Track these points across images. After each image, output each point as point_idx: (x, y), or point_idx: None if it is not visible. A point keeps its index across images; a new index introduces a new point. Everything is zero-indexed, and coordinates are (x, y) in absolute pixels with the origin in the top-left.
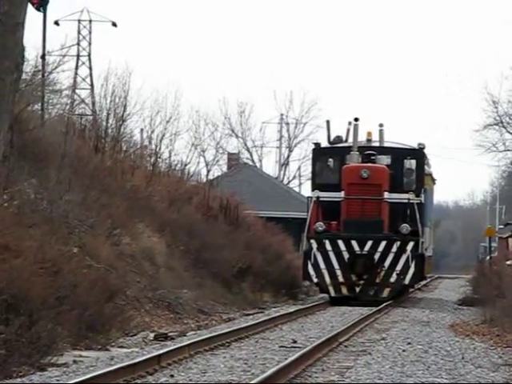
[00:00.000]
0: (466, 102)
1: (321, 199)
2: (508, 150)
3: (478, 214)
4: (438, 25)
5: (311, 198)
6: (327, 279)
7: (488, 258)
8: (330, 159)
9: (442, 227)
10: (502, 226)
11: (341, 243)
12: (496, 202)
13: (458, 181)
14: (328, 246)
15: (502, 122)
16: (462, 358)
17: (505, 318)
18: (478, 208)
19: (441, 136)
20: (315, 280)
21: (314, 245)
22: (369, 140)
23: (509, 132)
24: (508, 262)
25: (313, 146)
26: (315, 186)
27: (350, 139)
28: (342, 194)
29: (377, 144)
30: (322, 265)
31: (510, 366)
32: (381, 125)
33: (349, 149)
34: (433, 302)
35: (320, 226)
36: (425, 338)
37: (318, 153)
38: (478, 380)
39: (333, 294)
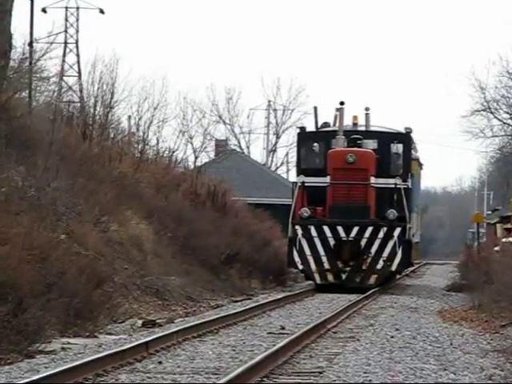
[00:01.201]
0: (453, 88)
1: (306, 184)
2: (495, 136)
3: (465, 200)
4: (424, 12)
5: (296, 183)
6: (313, 266)
7: (476, 243)
8: (316, 144)
9: (430, 213)
10: (489, 212)
11: (326, 229)
12: (484, 187)
13: (446, 167)
14: (313, 232)
15: (489, 108)
16: (451, 344)
17: (493, 304)
18: (465, 194)
19: (428, 122)
20: (300, 267)
21: (299, 231)
22: (355, 124)
23: (496, 118)
24: (496, 248)
25: (298, 131)
26: (300, 171)
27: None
28: (328, 179)
29: (363, 128)
30: (308, 251)
31: (498, 352)
32: (367, 108)
33: (334, 133)
34: (421, 288)
35: (305, 211)
36: (413, 324)
37: (303, 137)
38: (466, 366)
39: (318, 281)
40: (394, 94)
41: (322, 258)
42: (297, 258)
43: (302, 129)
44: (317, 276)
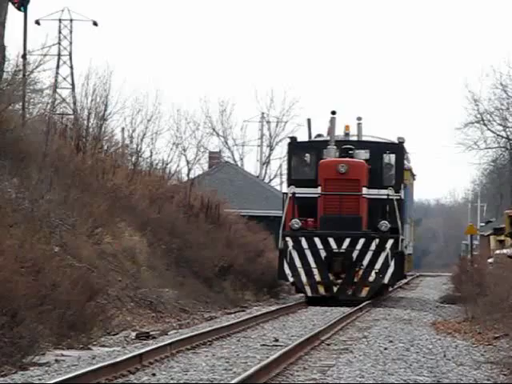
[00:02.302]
0: (447, 100)
1: (297, 195)
2: (489, 148)
3: (459, 212)
4: (417, 25)
5: (287, 194)
6: (303, 278)
7: (469, 255)
8: (307, 154)
9: (423, 225)
10: (483, 224)
11: (317, 241)
12: (477, 199)
13: (440, 179)
14: (304, 244)
15: (482, 120)
16: (444, 355)
17: (486, 316)
18: (459, 206)
19: (422, 134)
20: (291, 279)
21: (290, 243)
22: (346, 134)
23: (490, 130)
24: (489, 260)
25: (288, 141)
26: (291, 182)
27: None
28: (319, 189)
29: (355, 138)
30: (298, 263)
31: (491, 364)
32: (359, 118)
33: (326, 143)
34: (414, 300)
35: (296, 223)
36: (406, 336)
37: (294, 147)
38: (459, 378)
39: (309, 293)
40: (388, 107)
41: (313, 270)
42: (287, 271)
43: (293, 139)
44: (308, 288)
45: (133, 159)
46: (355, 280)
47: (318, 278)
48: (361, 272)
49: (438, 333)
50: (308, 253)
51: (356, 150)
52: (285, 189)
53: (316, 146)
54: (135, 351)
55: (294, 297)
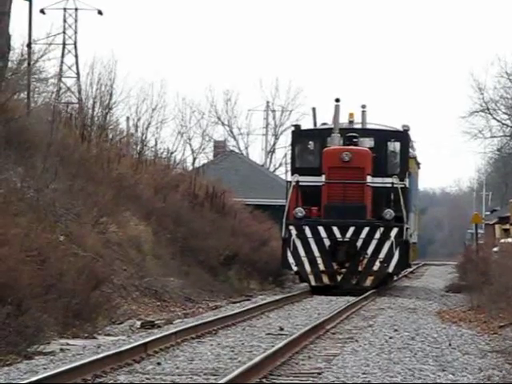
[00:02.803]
0: (452, 89)
1: (300, 184)
2: (494, 137)
3: (464, 201)
4: (422, 13)
5: (290, 182)
6: (307, 268)
7: (475, 244)
8: (311, 142)
9: (428, 214)
10: (488, 213)
11: (321, 230)
12: (482, 188)
13: (445, 168)
14: (308, 233)
15: (488, 109)
16: (449, 344)
17: (491, 305)
18: (464, 195)
19: (427, 123)
20: (295, 268)
21: (294, 231)
22: (351, 122)
23: (495, 119)
24: (495, 249)
25: (292, 129)
26: (295, 170)
27: None
28: (323, 178)
29: (359, 126)
30: (302, 252)
31: (496, 353)
32: (363, 106)
33: (330, 131)
34: (419, 289)
35: (300, 211)
36: (412, 325)
37: (298, 135)
38: (465, 367)
39: (313, 282)
40: (393, 96)
41: (317, 259)
42: (291, 260)
43: (297, 127)
44: (311, 278)
45: (138, 148)
46: (359, 269)
47: (321, 267)
48: (365, 261)
49: (443, 322)
50: (312, 242)
51: (360, 138)
52: (289, 177)
53: (320, 134)
54: (140, 340)
55: (299, 286)
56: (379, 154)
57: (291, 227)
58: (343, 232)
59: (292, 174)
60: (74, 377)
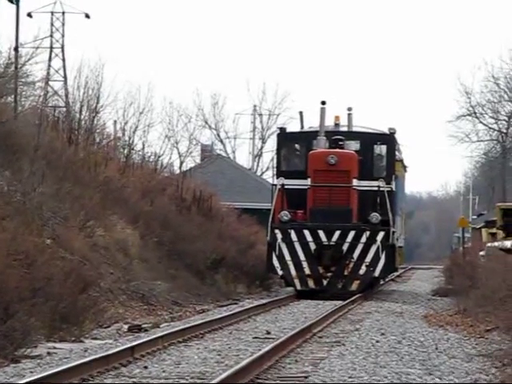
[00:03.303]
0: (439, 93)
1: (286, 187)
2: (481, 141)
3: (451, 205)
4: (409, 17)
5: (276, 185)
6: (293, 272)
7: (461, 248)
8: (296, 145)
9: (415, 218)
10: (475, 217)
11: (307, 233)
12: (469, 192)
13: (432, 172)
14: (293, 237)
15: (474, 113)
16: (436, 348)
17: (478, 309)
18: (451, 199)
19: (414, 127)
20: (280, 272)
21: (279, 235)
22: (337, 124)
23: (482, 123)
24: (481, 253)
25: (278, 131)
26: (280, 173)
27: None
28: (309, 181)
29: (345, 129)
30: (288, 256)
31: (483, 357)
32: (349, 109)
33: (315, 134)
34: (406, 293)
35: (285, 215)
36: (398, 329)
37: (284, 138)
38: (451, 370)
39: (299, 287)
40: (380, 100)
41: (303, 263)
42: (276, 264)
43: (282, 129)
44: (297, 282)
45: (125, 152)
46: (345, 273)
47: (307, 271)
48: (351, 265)
49: (430, 325)
50: (297, 245)
51: (346, 141)
52: (275, 180)
53: (306, 137)
54: (127, 344)
55: (286, 289)
56: (365, 157)
57: (276, 231)
58: (329, 236)
59: (277, 177)
60: (61, 380)
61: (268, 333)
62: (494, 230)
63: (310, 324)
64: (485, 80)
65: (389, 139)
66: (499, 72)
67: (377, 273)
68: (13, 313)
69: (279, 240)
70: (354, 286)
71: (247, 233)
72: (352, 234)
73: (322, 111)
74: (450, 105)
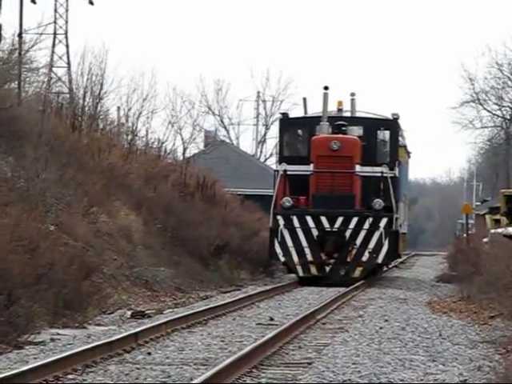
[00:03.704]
0: (443, 79)
1: (288, 173)
2: (485, 127)
3: (455, 191)
4: (413, 4)
5: (278, 171)
6: (295, 258)
7: (465, 234)
8: (299, 130)
9: (419, 204)
10: (478, 203)
11: (309, 220)
12: (473, 179)
13: (436, 158)
14: (296, 223)
15: (478, 99)
16: (440, 335)
17: (482, 295)
18: (455, 185)
19: (418, 113)
20: (282, 259)
21: (281, 221)
22: (340, 110)
23: (485, 109)
24: (485, 239)
25: (280, 117)
26: (282, 159)
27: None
28: (311, 167)
29: (348, 114)
30: (290, 243)
31: (487, 343)
32: (352, 94)
33: (318, 119)
34: (410, 279)
35: (287, 201)
36: (402, 316)
37: (286, 123)
38: (455, 357)
39: (301, 273)
40: (384, 87)
41: (305, 249)
42: (278, 250)
43: (285, 115)
44: (299, 268)
45: (128, 138)
46: (348, 260)
47: (309, 257)
48: (354, 251)
49: (434, 312)
50: (300, 232)
51: (349, 127)
52: (277, 166)
53: (308, 123)
54: (130, 330)
55: (290, 276)
56: (368, 143)
57: (279, 217)
58: (331, 222)
59: (280, 163)
60: (65, 367)
61: (271, 319)
62: (497, 217)
63: (314, 310)
64: (488, 66)
65: (392, 125)
66: (503, 58)
67: (380, 259)
68: (16, 299)
69: (281, 226)
70: (357, 272)
71: (251, 219)
72: (355, 220)
73: (325, 96)
74: (453, 91)
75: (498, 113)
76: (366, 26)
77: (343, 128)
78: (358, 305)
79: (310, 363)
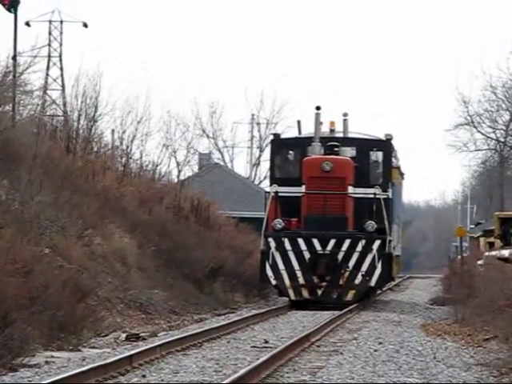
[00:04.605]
0: (437, 102)
1: (280, 194)
2: (479, 150)
3: (449, 214)
4: (407, 24)
5: (269, 193)
6: (287, 281)
7: (459, 257)
8: (290, 151)
9: (413, 227)
10: (473, 226)
11: (301, 242)
12: (467, 201)
13: (430, 181)
14: (287, 246)
15: (472, 122)
16: (434, 357)
17: (476, 318)
18: (449, 208)
19: (412, 136)
20: (273, 282)
21: (273, 244)
22: (332, 130)
23: (479, 132)
24: (479, 262)
25: (271, 137)
26: (274, 181)
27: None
28: (303, 188)
29: (340, 135)
30: (281, 266)
31: (481, 366)
32: (345, 114)
33: (310, 140)
34: (404, 301)
35: (279, 223)
36: (396, 338)
37: (277, 144)
38: (449, 380)
39: (293, 297)
40: (378, 110)
41: (297, 272)
42: (270, 273)
43: (276, 136)
44: (291, 292)
45: (123, 161)
46: (341, 283)
47: (301, 280)
48: (346, 274)
49: (428, 335)
50: (291, 254)
51: (341, 147)
52: (268, 188)
53: (300, 143)
54: (125, 353)
55: (283, 299)
56: (361, 164)
57: (270, 239)
58: (324, 244)
59: (271, 185)
60: None
61: (266, 342)
62: (491, 239)
63: (308, 333)
64: (483, 89)
65: (385, 145)
66: (497, 81)
67: (373, 282)
68: (11, 321)
69: (273, 249)
70: (350, 295)
71: (245, 242)
72: (347, 242)
73: (317, 116)
74: (448, 114)
75: (492, 135)
76: (361, 48)
77: (335, 149)
78: (352, 327)
79: None
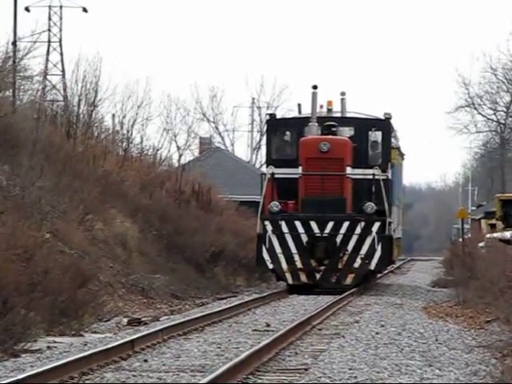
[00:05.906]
0: (437, 84)
1: (276, 176)
2: (479, 132)
3: (450, 196)
4: (408, 7)
5: (265, 174)
6: (284, 265)
7: (461, 239)
8: (287, 132)
9: (414, 209)
10: (474, 208)
11: (298, 225)
12: (468, 183)
13: (431, 163)
14: (284, 228)
15: (473, 104)
16: (436, 339)
17: (478, 300)
18: (450, 190)
19: (413, 118)
20: (270, 266)
21: (269, 227)
22: (329, 110)
23: (480, 114)
24: (480, 244)
25: (267, 117)
26: (270, 162)
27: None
28: (300, 169)
29: (338, 114)
30: (278, 249)
31: (483, 348)
32: (343, 93)
33: (307, 120)
34: (406, 284)
35: (275, 205)
36: (398, 321)
37: (273, 125)
38: (451, 362)
39: (290, 281)
40: (379, 93)
41: (294, 256)
42: (266, 257)
43: (272, 116)
44: (288, 276)
45: (123, 145)
46: (339, 266)
47: (299, 264)
48: (345, 258)
49: (430, 317)
50: (288, 237)
51: (339, 127)
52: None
53: (297, 123)
54: (127, 337)
55: (283, 283)
56: (360, 144)
57: (266, 222)
58: (322, 227)
59: (267, 166)
60: (61, 375)
61: (267, 325)
62: (493, 221)
63: (310, 316)
64: (483, 71)
65: (384, 125)
66: (497, 63)
67: (372, 265)
68: (12, 307)
69: (269, 232)
70: (349, 279)
71: (246, 225)
72: (346, 224)
73: (314, 96)
74: (448, 96)
75: (493, 117)
76: (361, 29)
77: (333, 129)
78: (353, 310)
79: (306, 369)
